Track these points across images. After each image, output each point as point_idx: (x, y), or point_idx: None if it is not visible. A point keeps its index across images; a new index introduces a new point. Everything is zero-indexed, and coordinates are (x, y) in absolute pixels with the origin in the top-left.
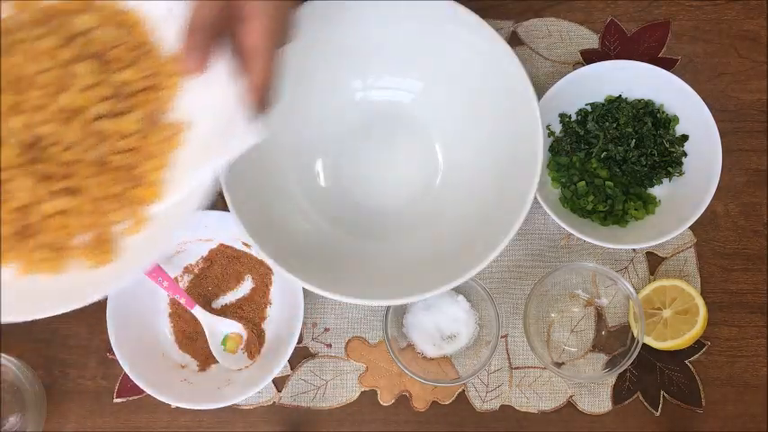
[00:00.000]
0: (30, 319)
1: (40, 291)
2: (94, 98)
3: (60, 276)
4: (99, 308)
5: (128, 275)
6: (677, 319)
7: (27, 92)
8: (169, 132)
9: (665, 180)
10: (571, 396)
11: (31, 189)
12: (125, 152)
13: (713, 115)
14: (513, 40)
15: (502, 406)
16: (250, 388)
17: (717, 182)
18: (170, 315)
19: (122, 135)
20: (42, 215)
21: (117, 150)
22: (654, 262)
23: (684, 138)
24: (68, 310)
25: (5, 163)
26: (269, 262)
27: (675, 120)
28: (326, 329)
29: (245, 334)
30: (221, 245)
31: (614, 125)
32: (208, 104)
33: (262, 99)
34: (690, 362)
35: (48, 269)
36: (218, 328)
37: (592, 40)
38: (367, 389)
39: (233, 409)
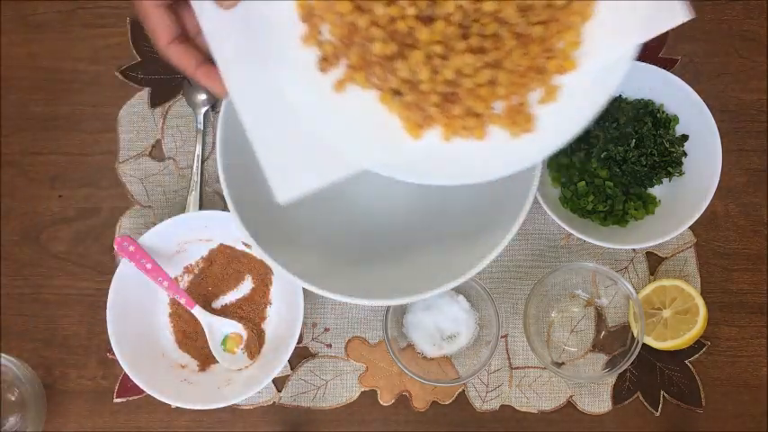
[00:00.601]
0: (454, 183)
1: (464, 158)
2: None
3: (483, 145)
4: (99, 308)
5: (547, 148)
6: (677, 319)
7: None
8: (582, 3)
9: (665, 180)
10: (571, 396)
11: (470, 64)
12: (543, 24)
13: (713, 115)
14: None
15: (502, 406)
16: (250, 388)
17: (717, 182)
18: (170, 315)
19: (547, 5)
20: (467, 86)
21: (537, 22)
22: (654, 262)
23: (684, 138)
24: (495, 177)
25: (441, 35)
26: (269, 262)
27: (675, 120)
28: (326, 329)
29: (245, 334)
30: (221, 245)
31: (614, 125)
32: None
33: None
34: (690, 362)
35: (469, 135)
36: (218, 328)
37: None
38: (367, 389)
39: (233, 409)
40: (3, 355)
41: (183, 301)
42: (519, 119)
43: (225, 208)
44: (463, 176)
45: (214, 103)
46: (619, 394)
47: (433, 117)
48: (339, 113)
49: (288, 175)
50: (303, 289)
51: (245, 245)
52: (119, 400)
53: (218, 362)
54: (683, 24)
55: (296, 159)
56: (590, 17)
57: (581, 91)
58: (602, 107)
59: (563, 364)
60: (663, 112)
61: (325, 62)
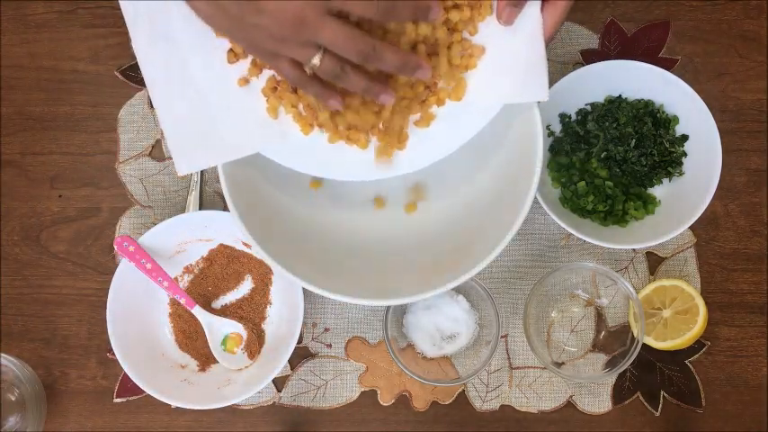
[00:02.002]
0: (337, 178)
1: (344, 158)
2: (430, 30)
3: (362, 153)
4: (99, 308)
5: (415, 164)
6: (677, 319)
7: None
8: (470, 52)
9: (665, 180)
10: (571, 396)
11: (363, 117)
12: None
13: (713, 115)
14: None
15: (502, 406)
16: (250, 388)
17: (717, 182)
18: (170, 315)
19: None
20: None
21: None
22: (654, 262)
23: (684, 138)
24: (367, 179)
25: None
26: (269, 262)
27: (675, 120)
28: (326, 329)
29: (245, 334)
30: (221, 245)
31: (614, 125)
32: (504, 41)
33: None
34: (690, 362)
35: (353, 144)
36: (218, 328)
37: (592, 40)
38: (367, 389)
39: (233, 409)
40: (3, 355)
41: (182, 301)
42: (396, 137)
43: (225, 208)
44: (340, 173)
45: None
46: (619, 394)
47: (323, 124)
48: (240, 102)
49: (188, 152)
50: (303, 289)
51: (245, 245)
52: (119, 400)
53: (218, 362)
54: (683, 24)
55: (196, 138)
56: (473, 68)
57: (450, 125)
58: (465, 142)
59: (563, 364)
60: (663, 112)
61: (233, 55)
